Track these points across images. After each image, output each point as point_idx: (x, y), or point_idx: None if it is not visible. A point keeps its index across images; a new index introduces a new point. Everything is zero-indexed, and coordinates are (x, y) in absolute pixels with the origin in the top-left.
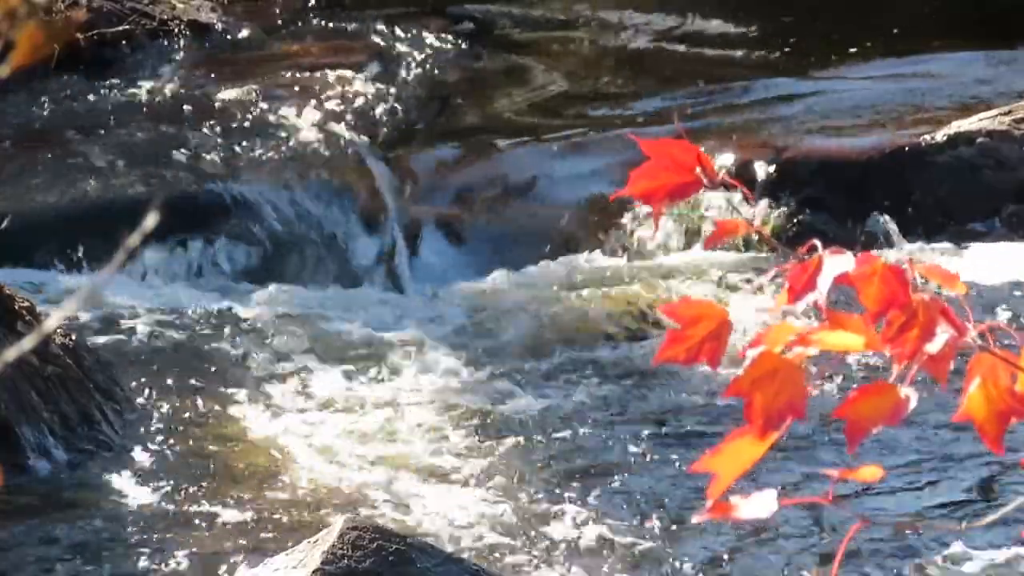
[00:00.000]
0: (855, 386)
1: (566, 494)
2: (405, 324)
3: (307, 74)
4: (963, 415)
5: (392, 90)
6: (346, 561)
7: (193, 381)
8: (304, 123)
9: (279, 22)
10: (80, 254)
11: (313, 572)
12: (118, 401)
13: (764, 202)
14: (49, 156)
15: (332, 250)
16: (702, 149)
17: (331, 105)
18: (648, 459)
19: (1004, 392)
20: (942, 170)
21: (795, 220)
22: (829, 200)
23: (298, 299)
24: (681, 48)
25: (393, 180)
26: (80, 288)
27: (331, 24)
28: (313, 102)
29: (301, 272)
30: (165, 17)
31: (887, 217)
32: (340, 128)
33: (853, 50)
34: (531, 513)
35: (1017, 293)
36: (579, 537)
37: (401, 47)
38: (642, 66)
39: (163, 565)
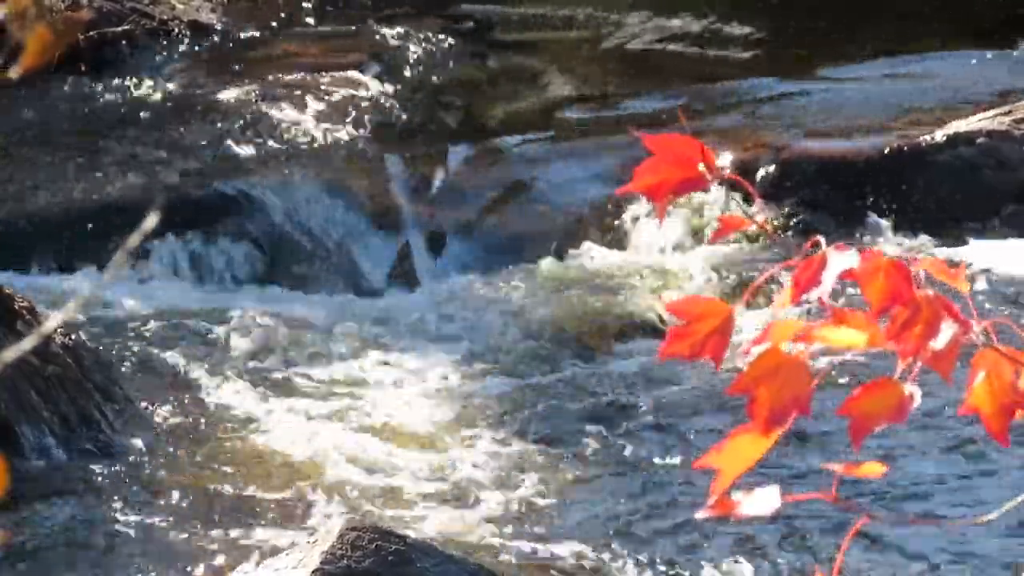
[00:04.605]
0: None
1: (567, 493)
2: (408, 324)
3: (307, 74)
4: (969, 408)
5: (392, 90)
6: (345, 561)
7: (193, 382)
8: (304, 123)
9: (279, 22)
10: (80, 254)
11: (313, 572)
12: (118, 401)
13: (764, 202)
14: (49, 156)
15: (333, 250)
16: None
17: (331, 105)
18: (651, 456)
19: (1008, 387)
20: (942, 170)
21: (795, 220)
22: (829, 200)
23: (300, 299)
24: (681, 48)
25: (394, 180)
26: (80, 288)
27: (331, 24)
28: (313, 102)
29: (303, 272)
30: (165, 17)
31: (887, 217)
32: (341, 128)
33: (853, 50)
34: (532, 512)
35: (1018, 291)
36: (580, 536)
37: (401, 47)
38: (642, 66)
39: (163, 565)
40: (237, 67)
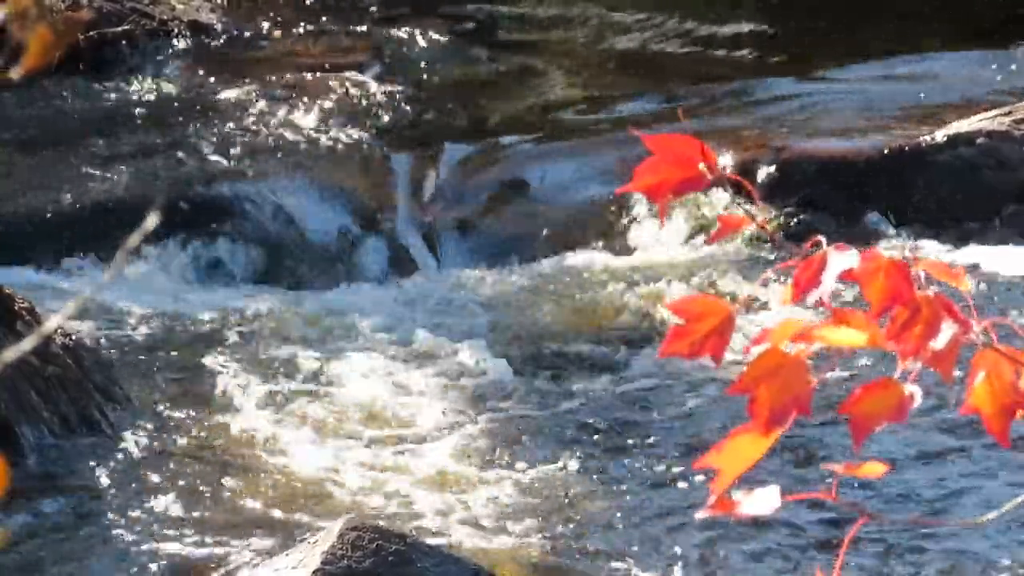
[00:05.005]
0: (858, 381)
1: (566, 492)
2: (408, 323)
3: (307, 74)
4: (969, 408)
5: (392, 90)
6: (346, 561)
7: (193, 381)
8: (304, 123)
9: (279, 22)
10: (80, 254)
11: (313, 572)
12: (118, 401)
13: (764, 202)
14: (49, 156)
15: (333, 250)
16: None
17: (331, 105)
18: (651, 455)
19: (1008, 387)
20: (942, 170)
21: (795, 220)
22: (829, 200)
23: (300, 298)
24: (681, 48)
25: (394, 179)
26: (80, 288)
27: (331, 24)
28: (313, 102)
29: (302, 271)
30: (165, 17)
31: (887, 217)
32: (340, 128)
33: (853, 50)
34: (531, 512)
35: (1019, 292)
36: (579, 535)
37: (401, 47)
38: (642, 66)
39: (163, 565)
40: (237, 67)
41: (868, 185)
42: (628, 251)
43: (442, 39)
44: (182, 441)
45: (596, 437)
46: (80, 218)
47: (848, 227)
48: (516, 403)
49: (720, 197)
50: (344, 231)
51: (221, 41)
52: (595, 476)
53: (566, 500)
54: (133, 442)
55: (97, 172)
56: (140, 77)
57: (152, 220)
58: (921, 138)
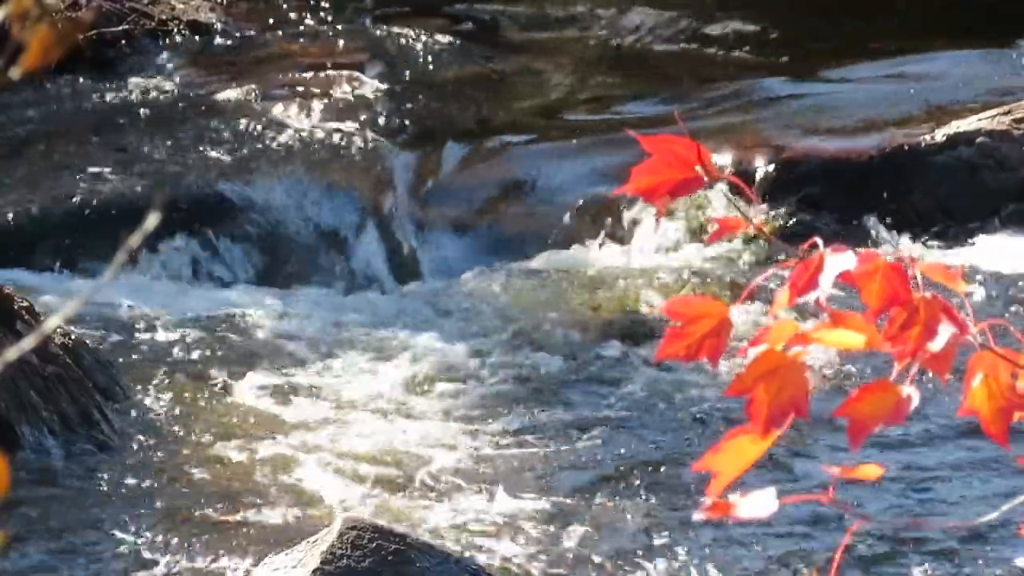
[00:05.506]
0: (856, 383)
1: (564, 493)
2: (407, 323)
3: (307, 74)
4: (967, 410)
5: (392, 90)
6: (345, 561)
7: (193, 381)
8: (304, 123)
9: (279, 22)
10: (80, 254)
11: (313, 572)
12: (118, 401)
13: (764, 203)
14: (49, 156)
15: (333, 249)
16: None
17: (331, 105)
18: (648, 457)
19: (1006, 389)
20: (942, 170)
21: (795, 220)
22: (829, 200)
23: (300, 298)
24: (681, 48)
25: (394, 179)
26: (80, 288)
27: (331, 24)
28: (313, 102)
29: (302, 271)
30: (165, 17)
31: (887, 217)
32: (340, 128)
33: (853, 50)
34: (530, 512)
35: (1017, 292)
36: (578, 535)
37: (401, 47)
38: (642, 66)
39: (163, 565)
40: (237, 67)
41: (868, 185)
42: (626, 252)
43: (442, 39)
44: (182, 441)
45: (595, 439)
46: (80, 218)
47: (847, 227)
48: (515, 404)
49: (718, 198)
50: (344, 231)
51: (221, 41)
52: (594, 477)
53: (567, 500)
54: (133, 441)
55: (97, 172)
56: (140, 77)
57: (152, 220)
58: (921, 138)
